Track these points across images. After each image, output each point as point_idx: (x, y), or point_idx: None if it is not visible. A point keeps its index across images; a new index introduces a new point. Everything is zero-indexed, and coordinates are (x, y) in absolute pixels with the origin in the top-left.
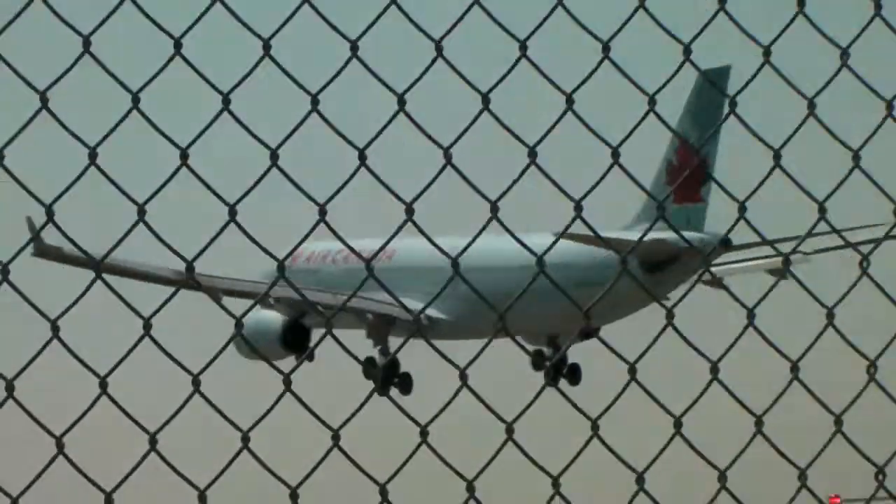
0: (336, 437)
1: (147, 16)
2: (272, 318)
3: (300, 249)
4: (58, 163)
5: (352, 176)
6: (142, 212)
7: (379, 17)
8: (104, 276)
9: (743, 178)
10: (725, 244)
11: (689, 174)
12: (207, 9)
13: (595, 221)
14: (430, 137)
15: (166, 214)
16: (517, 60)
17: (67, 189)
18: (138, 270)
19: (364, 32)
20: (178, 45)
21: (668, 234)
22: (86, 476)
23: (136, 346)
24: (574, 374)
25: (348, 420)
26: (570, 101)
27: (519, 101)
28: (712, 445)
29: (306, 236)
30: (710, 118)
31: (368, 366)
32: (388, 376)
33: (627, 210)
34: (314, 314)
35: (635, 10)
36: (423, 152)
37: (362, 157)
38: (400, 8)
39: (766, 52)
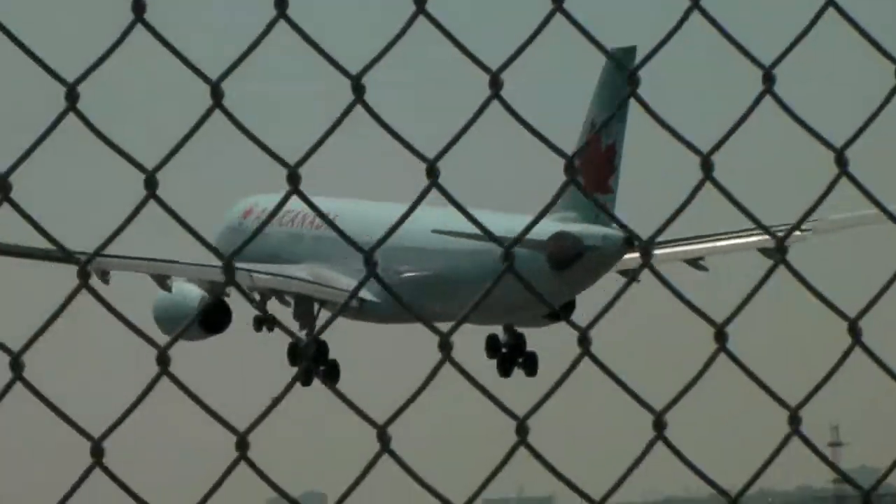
0: (242, 445)
1: None
2: (192, 294)
3: (252, 202)
4: None
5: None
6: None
7: None
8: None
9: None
10: (629, 243)
11: (597, 162)
12: None
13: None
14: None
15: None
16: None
17: None
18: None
19: None
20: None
21: (574, 227)
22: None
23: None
24: (530, 364)
25: (259, 420)
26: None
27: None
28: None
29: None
30: (617, 101)
31: (292, 352)
32: (312, 365)
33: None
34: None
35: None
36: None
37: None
38: None
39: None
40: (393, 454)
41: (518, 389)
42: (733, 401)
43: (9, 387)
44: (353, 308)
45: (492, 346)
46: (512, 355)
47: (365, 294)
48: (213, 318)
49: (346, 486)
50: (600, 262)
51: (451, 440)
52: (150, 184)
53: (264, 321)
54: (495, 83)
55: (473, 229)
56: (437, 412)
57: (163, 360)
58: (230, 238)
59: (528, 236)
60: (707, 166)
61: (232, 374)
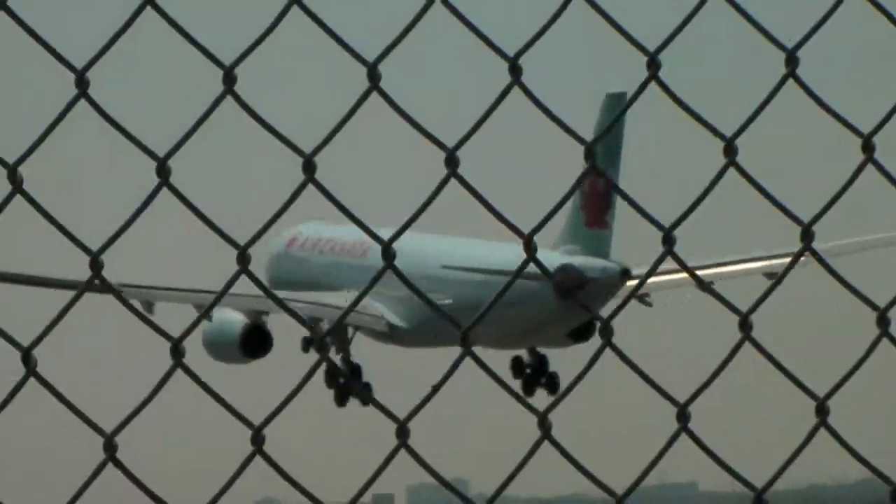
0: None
1: None
2: (234, 320)
3: (296, 232)
4: None
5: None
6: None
7: None
8: None
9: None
10: (625, 274)
11: (595, 199)
12: None
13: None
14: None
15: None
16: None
17: None
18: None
19: None
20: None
21: (577, 260)
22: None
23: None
24: (551, 383)
25: (274, 414)
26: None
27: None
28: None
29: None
30: (614, 140)
31: (329, 374)
32: (347, 384)
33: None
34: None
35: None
36: None
37: (372, 79)
38: None
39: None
40: (410, 449)
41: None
42: (758, 392)
43: (22, 383)
44: (384, 333)
45: (517, 367)
46: (535, 376)
47: (394, 320)
48: (253, 342)
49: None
50: (601, 292)
51: (471, 437)
52: (162, 171)
53: (311, 342)
54: (514, 69)
55: (479, 263)
56: (457, 412)
57: (177, 350)
58: (279, 264)
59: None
60: (730, 152)
61: (272, 393)
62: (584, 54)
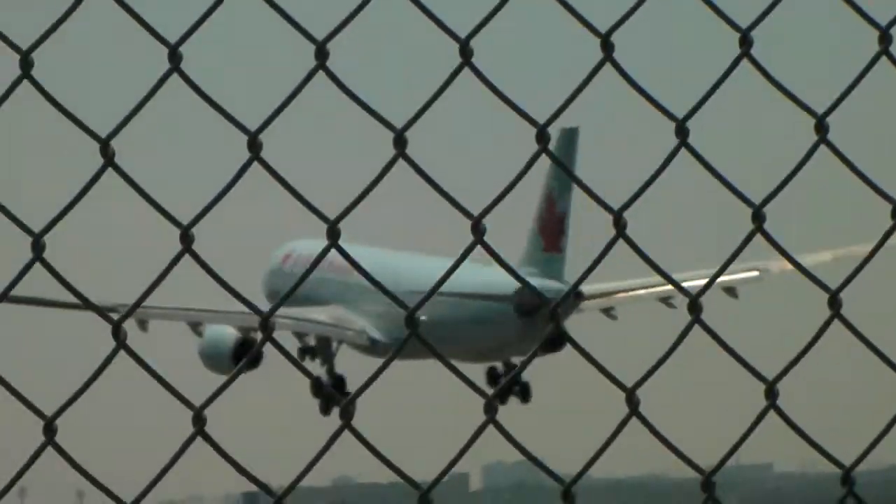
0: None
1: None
2: (227, 333)
3: (290, 248)
4: None
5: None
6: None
7: None
8: None
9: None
10: (578, 296)
11: (552, 226)
12: None
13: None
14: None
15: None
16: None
17: None
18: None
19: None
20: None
21: (535, 281)
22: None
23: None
24: (524, 393)
25: (214, 396)
26: None
27: None
28: None
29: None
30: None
31: (316, 386)
32: (330, 396)
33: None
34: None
35: None
36: None
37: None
38: None
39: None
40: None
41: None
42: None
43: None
44: (366, 346)
45: (491, 376)
46: (509, 384)
47: (375, 334)
48: (245, 355)
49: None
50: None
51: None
52: (186, 238)
53: (307, 351)
54: (464, 52)
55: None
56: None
57: (117, 334)
58: (274, 280)
59: (496, 291)
60: (681, 132)
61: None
62: (534, 39)
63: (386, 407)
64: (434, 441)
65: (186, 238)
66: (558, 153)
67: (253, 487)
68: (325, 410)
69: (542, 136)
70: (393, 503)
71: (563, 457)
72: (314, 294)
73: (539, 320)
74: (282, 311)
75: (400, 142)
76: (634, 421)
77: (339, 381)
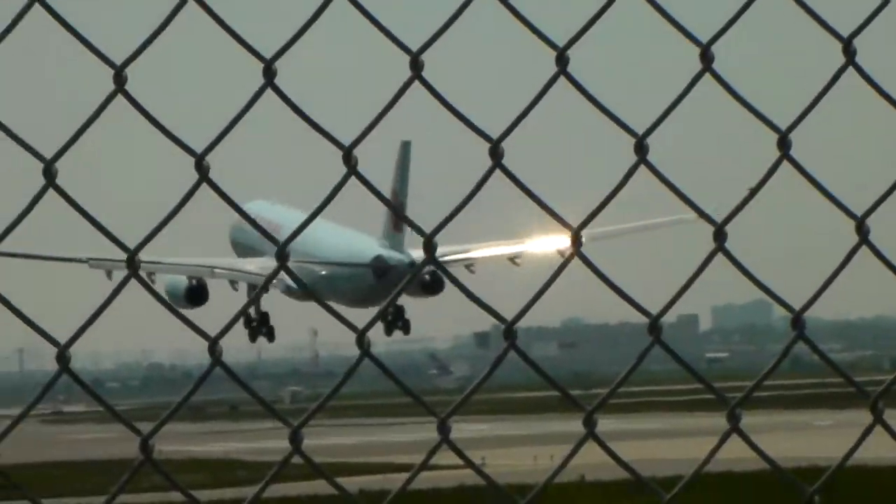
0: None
1: None
2: (182, 280)
3: (246, 207)
4: None
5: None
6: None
7: None
8: None
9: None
10: (411, 265)
11: (395, 211)
12: None
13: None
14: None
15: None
16: None
17: None
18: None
19: None
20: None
21: (384, 252)
22: None
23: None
24: (405, 326)
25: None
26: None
27: None
28: None
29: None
30: (403, 172)
31: (246, 319)
32: (257, 328)
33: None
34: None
35: None
36: None
37: None
38: None
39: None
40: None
41: None
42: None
43: None
44: (284, 291)
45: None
46: (394, 321)
47: (289, 283)
48: (195, 295)
49: None
50: (398, 275)
51: None
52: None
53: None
54: (416, 65)
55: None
56: None
57: (119, 80)
58: (235, 232)
59: (357, 260)
60: (641, 149)
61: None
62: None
63: None
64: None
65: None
66: (399, 161)
67: (483, 326)
68: (252, 339)
69: (495, 152)
70: (623, 342)
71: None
72: (258, 247)
73: (386, 280)
74: (222, 261)
75: (348, 157)
76: None
77: (263, 316)
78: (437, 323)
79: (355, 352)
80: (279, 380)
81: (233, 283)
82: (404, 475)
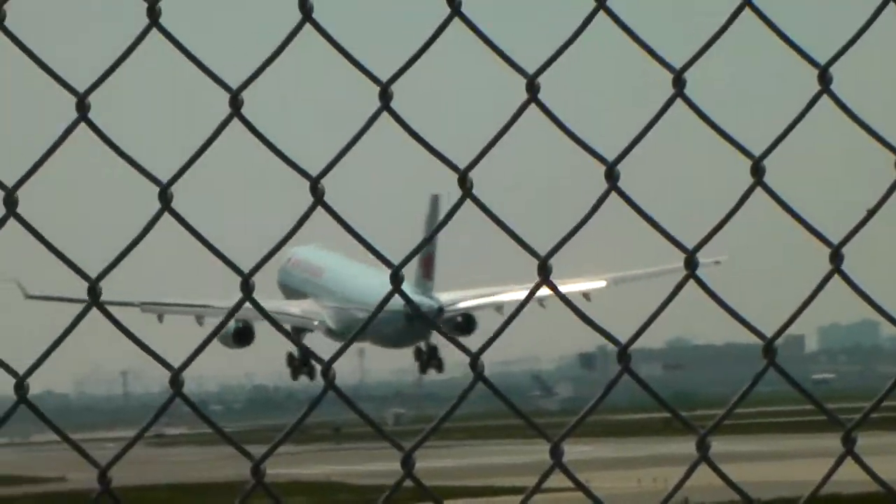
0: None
1: None
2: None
3: (292, 252)
4: None
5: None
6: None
7: None
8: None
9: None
10: (440, 311)
11: (427, 263)
12: None
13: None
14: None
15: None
16: None
17: None
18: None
19: None
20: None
21: (416, 298)
22: None
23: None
24: (439, 364)
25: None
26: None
27: None
28: None
29: None
30: (432, 224)
31: (289, 359)
32: (299, 367)
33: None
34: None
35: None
36: None
37: None
38: None
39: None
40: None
41: None
42: None
43: None
44: (326, 332)
45: (417, 353)
46: (428, 359)
47: (331, 324)
48: (243, 336)
49: None
50: (428, 321)
51: None
52: (164, 197)
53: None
54: (385, 96)
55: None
56: None
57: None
58: (282, 275)
59: (391, 306)
60: (611, 177)
61: None
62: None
63: None
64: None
65: (164, 195)
66: (429, 214)
67: (588, 347)
68: (294, 377)
69: (464, 182)
70: (728, 364)
71: None
72: (301, 290)
73: (416, 324)
74: (268, 304)
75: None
76: None
77: (305, 356)
78: (541, 344)
79: (458, 375)
80: (382, 402)
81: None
82: (509, 498)
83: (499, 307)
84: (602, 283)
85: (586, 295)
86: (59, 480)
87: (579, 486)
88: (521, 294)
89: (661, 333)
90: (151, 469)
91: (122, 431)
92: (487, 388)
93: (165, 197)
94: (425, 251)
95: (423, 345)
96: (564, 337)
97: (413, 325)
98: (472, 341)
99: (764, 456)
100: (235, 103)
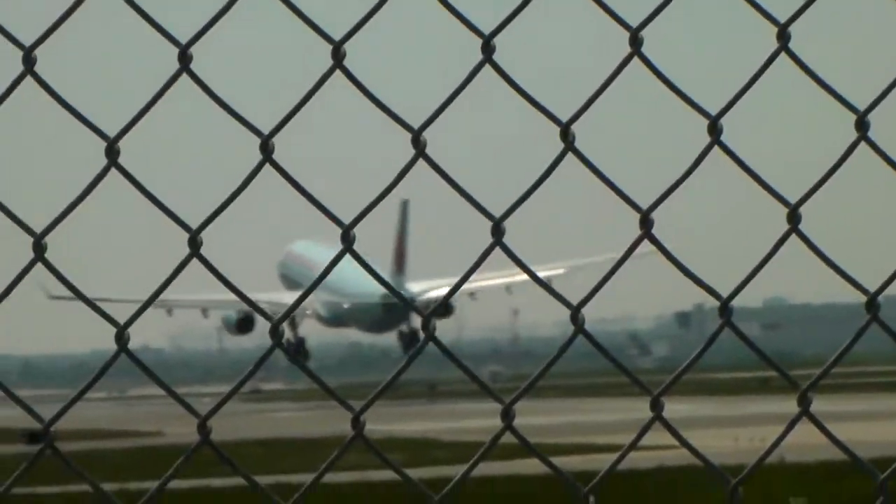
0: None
1: None
2: (232, 315)
3: (292, 246)
4: None
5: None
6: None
7: None
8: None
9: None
10: (412, 301)
11: (399, 257)
12: None
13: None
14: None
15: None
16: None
17: None
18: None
19: None
20: None
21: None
22: None
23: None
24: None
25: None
26: None
27: None
28: None
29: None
30: (404, 226)
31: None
32: (296, 350)
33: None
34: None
35: None
36: None
37: None
38: None
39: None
40: None
41: None
42: None
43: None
44: (318, 319)
45: (400, 336)
46: (410, 341)
47: (322, 312)
48: (244, 325)
49: None
50: (399, 310)
51: None
52: (194, 243)
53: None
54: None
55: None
56: None
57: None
58: (282, 268)
59: (371, 296)
60: (566, 135)
61: None
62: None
63: None
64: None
65: (195, 243)
66: (400, 218)
67: (685, 307)
68: (292, 359)
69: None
70: (825, 324)
71: None
72: (297, 280)
73: (392, 313)
74: (266, 296)
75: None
76: None
77: (300, 341)
78: (638, 303)
79: (554, 332)
80: (479, 360)
81: (273, 314)
82: (603, 456)
83: (472, 294)
84: (561, 271)
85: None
86: (157, 435)
87: (679, 439)
88: (493, 282)
89: (759, 293)
90: (246, 424)
91: (217, 386)
92: (583, 346)
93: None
94: (398, 247)
95: (405, 328)
96: (661, 296)
97: (390, 314)
98: (571, 295)
99: (863, 416)
100: (185, 59)
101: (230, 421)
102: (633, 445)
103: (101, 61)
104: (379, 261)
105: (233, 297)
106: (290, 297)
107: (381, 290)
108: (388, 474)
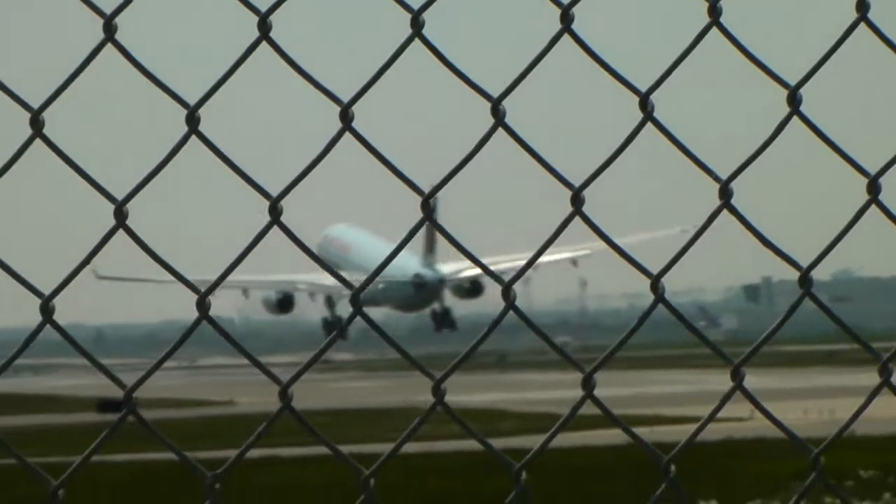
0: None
1: None
2: (272, 294)
3: (329, 229)
4: None
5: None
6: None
7: None
8: None
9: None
10: (442, 281)
11: (431, 239)
12: None
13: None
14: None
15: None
16: None
17: None
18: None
19: None
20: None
21: (421, 270)
22: None
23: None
24: (451, 324)
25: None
26: None
27: None
28: None
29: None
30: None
31: (324, 322)
32: (333, 328)
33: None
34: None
35: None
36: None
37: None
38: None
39: None
40: None
41: None
42: None
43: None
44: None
45: (433, 315)
46: (442, 320)
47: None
48: (284, 305)
49: None
50: (431, 288)
51: None
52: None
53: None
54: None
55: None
56: None
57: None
58: (319, 249)
59: (404, 275)
60: (646, 107)
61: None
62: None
63: None
64: None
65: (275, 211)
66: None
67: (753, 279)
68: (328, 335)
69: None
70: (893, 297)
71: None
72: (337, 262)
73: (423, 291)
74: (304, 277)
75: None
76: None
77: (337, 320)
78: (708, 275)
79: (622, 303)
80: (548, 331)
81: (311, 294)
82: (679, 427)
83: (501, 274)
84: (587, 252)
85: (574, 261)
86: (228, 404)
87: (760, 408)
88: (519, 263)
89: (827, 265)
90: (314, 393)
91: (285, 357)
92: (653, 319)
93: (193, 120)
94: (428, 230)
95: (437, 307)
96: (730, 268)
97: (421, 293)
98: (654, 264)
99: None
100: (193, 121)
101: (299, 389)
102: (713, 416)
103: (107, 121)
104: (411, 242)
105: (275, 277)
106: (327, 279)
107: (413, 269)
108: (453, 444)
